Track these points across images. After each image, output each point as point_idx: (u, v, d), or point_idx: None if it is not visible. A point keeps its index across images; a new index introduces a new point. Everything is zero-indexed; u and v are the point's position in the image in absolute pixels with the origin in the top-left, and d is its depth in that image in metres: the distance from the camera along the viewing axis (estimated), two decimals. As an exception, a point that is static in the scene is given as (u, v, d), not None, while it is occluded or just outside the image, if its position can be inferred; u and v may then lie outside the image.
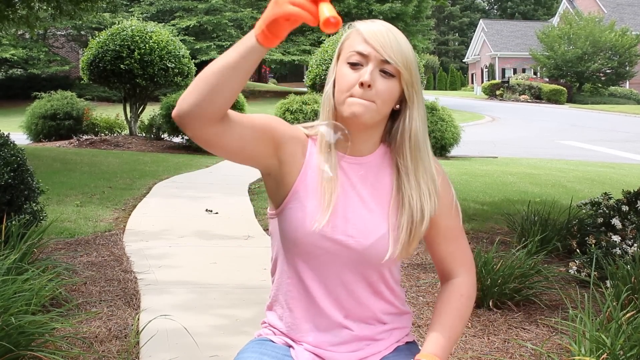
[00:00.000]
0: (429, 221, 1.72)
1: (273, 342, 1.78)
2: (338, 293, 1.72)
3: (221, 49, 38.65)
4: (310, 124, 1.75)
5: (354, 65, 1.63)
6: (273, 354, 1.72)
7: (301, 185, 1.69)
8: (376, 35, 1.62)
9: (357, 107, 1.62)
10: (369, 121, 1.65)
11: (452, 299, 1.79)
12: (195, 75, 13.51)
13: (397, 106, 1.69)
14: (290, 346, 1.75)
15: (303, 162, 1.71)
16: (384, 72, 1.62)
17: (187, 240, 5.91)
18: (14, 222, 4.20)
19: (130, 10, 38.99)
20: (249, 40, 1.46)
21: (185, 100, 1.50)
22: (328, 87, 1.70)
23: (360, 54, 1.63)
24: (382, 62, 1.62)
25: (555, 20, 56.67)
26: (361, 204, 1.71)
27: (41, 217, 4.88)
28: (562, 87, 45.31)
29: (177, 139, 15.52)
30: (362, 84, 1.60)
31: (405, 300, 1.87)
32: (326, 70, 17.05)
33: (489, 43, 60.79)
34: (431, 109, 16.14)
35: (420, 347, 1.85)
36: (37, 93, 17.41)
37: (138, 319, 3.77)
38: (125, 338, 3.53)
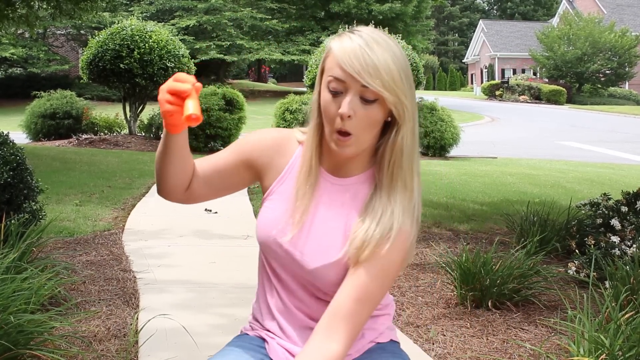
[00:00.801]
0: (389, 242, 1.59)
1: (249, 335, 1.81)
2: (301, 296, 1.72)
3: (220, 49, 38.69)
4: (306, 129, 1.72)
5: (334, 94, 1.55)
6: (249, 345, 1.75)
7: (277, 189, 1.72)
8: (350, 59, 1.51)
9: (339, 148, 1.57)
10: (354, 153, 1.60)
11: None
12: (195, 75, 13.57)
13: (389, 118, 1.60)
14: (264, 340, 1.77)
15: (284, 167, 1.73)
16: (364, 99, 1.53)
17: (187, 240, 5.91)
18: (13, 221, 4.20)
19: (129, 9, 38.96)
20: (164, 131, 1.62)
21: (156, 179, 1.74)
22: (314, 99, 1.64)
23: (338, 80, 1.54)
24: (362, 89, 1.52)
25: (555, 20, 56.76)
26: (326, 225, 1.67)
27: (40, 216, 4.87)
28: (561, 88, 45.34)
29: (176, 139, 15.51)
30: (341, 116, 1.54)
31: (385, 304, 1.83)
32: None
33: (489, 43, 60.84)
34: (430, 109, 16.16)
35: (398, 344, 1.84)
36: (37, 92, 17.40)
37: (137, 318, 3.77)
38: (124, 337, 3.53)
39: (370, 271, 1.58)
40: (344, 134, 1.55)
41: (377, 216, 1.59)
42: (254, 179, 1.78)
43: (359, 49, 1.51)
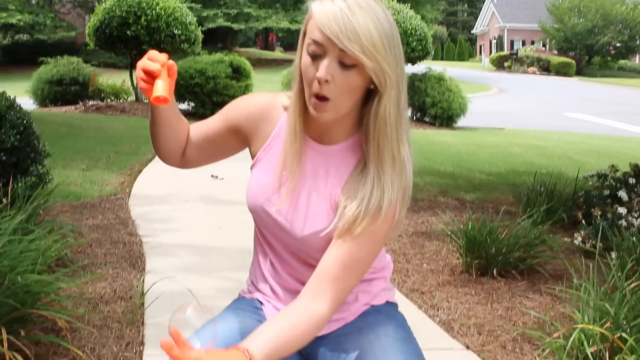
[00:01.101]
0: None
1: (246, 298, 1.83)
2: (291, 261, 1.72)
3: (228, 17, 38.42)
4: (291, 93, 1.66)
5: (313, 57, 1.50)
6: (246, 307, 1.76)
7: (264, 156, 1.71)
8: (330, 21, 1.45)
9: (316, 112, 1.53)
10: (333, 118, 1.56)
11: (307, 324, 1.53)
12: (202, 42, 13.46)
13: (372, 86, 1.53)
14: (261, 302, 1.78)
15: (270, 134, 1.71)
16: (343, 64, 1.48)
17: (193, 205, 5.92)
18: (20, 184, 4.20)
19: (137, -24, 38.67)
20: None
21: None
22: (296, 63, 1.59)
23: (317, 43, 1.48)
24: (340, 53, 1.46)
25: (565, -8, 56.12)
26: (310, 194, 1.65)
27: (47, 180, 4.88)
28: (571, 60, 45.01)
29: (183, 106, 15.48)
30: (318, 80, 1.49)
31: (381, 267, 1.81)
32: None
33: (498, 14, 60.30)
34: (438, 80, 16.07)
35: (395, 306, 1.83)
36: (44, 58, 17.34)
37: (143, 281, 3.79)
38: (130, 299, 3.55)
39: (358, 239, 1.56)
40: (321, 98, 1.51)
41: (367, 192, 1.56)
42: (243, 144, 1.77)
43: (339, 12, 1.45)
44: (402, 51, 1.53)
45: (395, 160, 1.55)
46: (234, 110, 1.76)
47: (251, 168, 1.75)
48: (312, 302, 1.54)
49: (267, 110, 1.72)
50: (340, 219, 1.57)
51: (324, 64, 1.48)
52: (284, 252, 1.72)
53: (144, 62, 1.50)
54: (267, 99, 1.74)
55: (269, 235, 1.73)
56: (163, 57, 1.50)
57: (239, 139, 1.76)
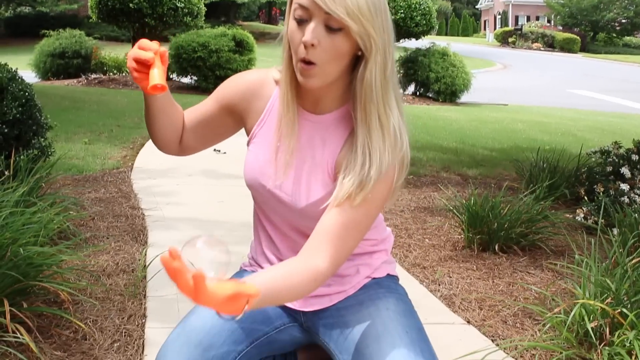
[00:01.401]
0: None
1: (247, 271, 1.85)
2: (290, 235, 1.73)
3: (231, -10, 38.21)
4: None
5: (299, 22, 1.50)
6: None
7: (259, 132, 1.72)
8: None
9: (303, 78, 1.53)
10: (320, 84, 1.55)
11: (304, 275, 1.51)
12: (205, 16, 13.36)
13: (360, 53, 1.53)
14: None
15: (263, 110, 1.71)
16: (329, 28, 1.48)
17: (195, 179, 5.92)
18: (22, 157, 4.20)
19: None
20: (143, 92, 1.59)
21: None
22: (283, 32, 1.60)
23: (303, 7, 1.48)
24: (326, 16, 1.46)
25: (571, -33, 55.67)
26: (308, 165, 1.66)
27: (49, 153, 4.87)
28: (575, 36, 44.78)
29: (185, 79, 15.43)
30: (304, 45, 1.49)
31: (382, 239, 1.82)
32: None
33: (503, -11, 59.87)
34: (442, 55, 15.99)
35: (396, 279, 1.84)
36: (46, 31, 17.27)
37: (145, 254, 3.80)
38: (133, 272, 3.56)
39: (358, 204, 1.56)
40: (307, 62, 1.51)
41: (360, 160, 1.55)
42: (239, 124, 1.77)
43: None
44: (390, 20, 1.54)
45: (383, 126, 1.55)
46: (226, 90, 1.75)
47: (247, 145, 1.75)
48: (310, 257, 1.53)
49: (259, 86, 1.73)
50: (340, 190, 1.57)
51: (310, 27, 1.48)
52: (283, 226, 1.73)
53: (135, 52, 1.49)
54: (258, 75, 1.74)
55: (268, 210, 1.74)
56: (155, 44, 1.49)
57: (234, 118, 1.76)
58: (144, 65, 1.49)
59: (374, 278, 1.79)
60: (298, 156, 1.66)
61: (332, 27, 1.47)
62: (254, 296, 1.28)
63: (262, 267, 1.80)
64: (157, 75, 1.46)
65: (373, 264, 1.79)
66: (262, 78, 1.73)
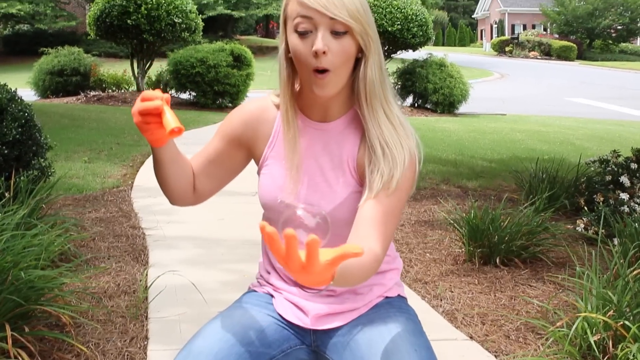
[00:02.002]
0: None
1: (257, 292, 1.82)
2: None
3: (228, 4, 38.35)
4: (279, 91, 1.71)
5: (303, 35, 1.56)
6: (256, 302, 1.76)
7: (270, 154, 1.74)
8: None
9: (318, 88, 1.58)
10: (335, 91, 1.61)
11: (368, 258, 1.50)
12: (202, 31, 13.40)
13: (359, 54, 1.62)
14: (272, 296, 1.78)
15: (271, 133, 1.74)
16: (335, 33, 1.55)
17: (195, 197, 5.92)
18: (22, 178, 4.21)
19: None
20: (152, 147, 1.61)
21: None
22: (280, 52, 1.65)
23: (305, 18, 1.54)
24: (331, 22, 1.54)
25: (566, -25, 55.86)
26: (326, 170, 1.69)
27: (49, 173, 4.88)
28: (572, 44, 44.89)
29: (184, 95, 15.46)
30: (316, 54, 1.54)
31: (394, 257, 1.85)
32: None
33: (499, -2, 60.05)
34: (439, 65, 16.03)
35: (406, 300, 1.85)
36: (44, 49, 17.31)
37: (146, 275, 3.79)
38: (134, 293, 3.56)
39: (391, 192, 1.61)
40: (322, 71, 1.56)
41: (382, 152, 1.62)
42: (248, 156, 1.79)
43: None
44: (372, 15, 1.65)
45: (389, 118, 1.64)
46: (229, 124, 1.78)
47: (258, 172, 1.78)
48: (364, 243, 1.53)
49: (261, 111, 1.77)
50: (372, 182, 1.61)
51: (319, 36, 1.54)
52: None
53: (141, 105, 1.47)
54: (258, 103, 1.78)
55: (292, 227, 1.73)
56: (157, 92, 1.49)
57: (243, 151, 1.78)
58: (153, 116, 1.48)
59: (386, 297, 1.81)
60: (315, 165, 1.70)
61: (338, 31, 1.55)
62: (359, 254, 1.22)
63: (273, 286, 1.79)
64: (171, 119, 1.45)
65: (386, 284, 1.81)
66: (263, 104, 1.77)
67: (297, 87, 1.71)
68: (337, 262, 1.21)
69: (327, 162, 1.70)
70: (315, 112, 1.70)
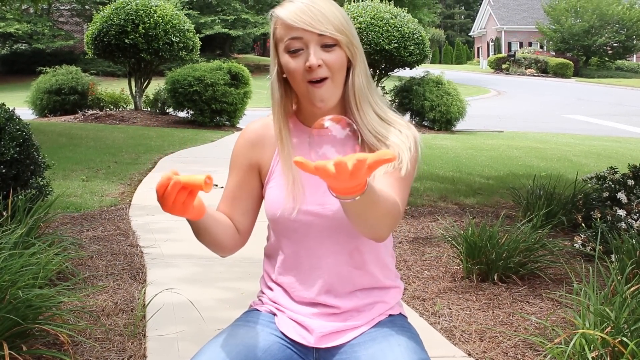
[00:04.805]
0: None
1: (259, 310, 1.83)
2: (319, 266, 1.76)
3: (225, 23, 38.54)
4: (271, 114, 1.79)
5: (294, 53, 1.66)
6: (258, 320, 1.77)
7: (276, 168, 1.80)
8: (299, 16, 1.64)
9: (318, 99, 1.67)
10: (335, 100, 1.70)
11: (393, 198, 1.57)
12: (200, 49, 13.44)
13: (348, 64, 1.72)
14: (274, 314, 1.79)
15: (275, 149, 1.80)
16: (325, 46, 1.66)
17: (193, 215, 5.92)
18: (20, 197, 4.21)
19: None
20: (191, 222, 1.66)
21: None
22: (273, 77, 1.73)
23: (295, 38, 1.65)
24: (319, 38, 1.65)
25: (562, -7, 56.16)
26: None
27: (47, 192, 4.88)
28: (568, 61, 45.06)
29: (182, 114, 15.50)
30: (310, 68, 1.64)
31: (396, 275, 1.87)
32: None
33: (495, 16, 60.37)
34: (437, 83, 16.10)
35: (406, 318, 1.86)
36: (42, 68, 17.38)
37: (144, 293, 3.79)
38: (132, 311, 3.55)
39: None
40: (318, 80, 1.66)
41: (387, 148, 1.69)
42: (262, 175, 1.85)
43: (303, 6, 1.65)
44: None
45: (382, 119, 1.74)
46: (238, 154, 1.84)
47: (266, 185, 1.82)
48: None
49: (264, 131, 1.84)
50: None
51: (311, 52, 1.65)
52: (319, 248, 1.75)
53: (167, 194, 1.45)
54: (261, 121, 1.86)
55: (297, 238, 1.77)
56: (167, 173, 1.46)
57: (255, 171, 1.84)
58: (180, 193, 1.46)
59: (390, 315, 1.82)
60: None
61: (328, 44, 1.66)
62: (393, 158, 1.26)
63: (277, 303, 1.81)
64: (195, 177, 1.44)
65: (389, 302, 1.83)
66: (265, 122, 1.84)
67: (294, 107, 1.79)
68: (374, 166, 1.26)
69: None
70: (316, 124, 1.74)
